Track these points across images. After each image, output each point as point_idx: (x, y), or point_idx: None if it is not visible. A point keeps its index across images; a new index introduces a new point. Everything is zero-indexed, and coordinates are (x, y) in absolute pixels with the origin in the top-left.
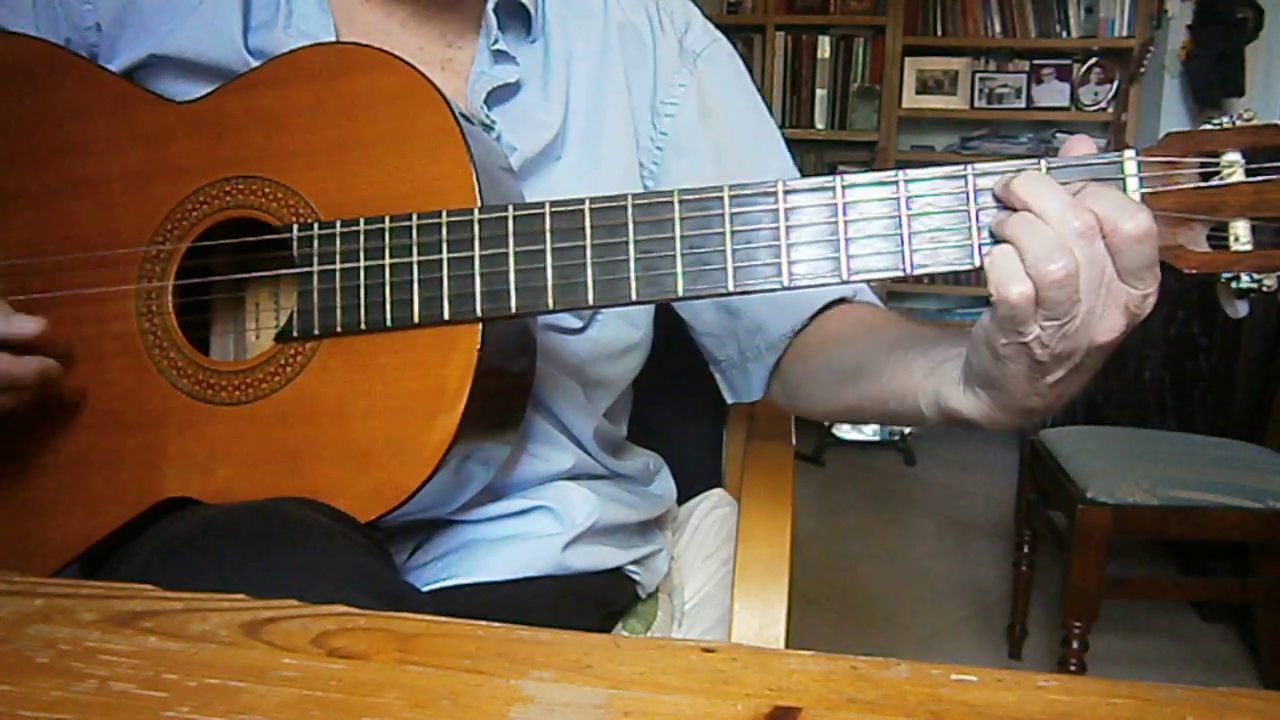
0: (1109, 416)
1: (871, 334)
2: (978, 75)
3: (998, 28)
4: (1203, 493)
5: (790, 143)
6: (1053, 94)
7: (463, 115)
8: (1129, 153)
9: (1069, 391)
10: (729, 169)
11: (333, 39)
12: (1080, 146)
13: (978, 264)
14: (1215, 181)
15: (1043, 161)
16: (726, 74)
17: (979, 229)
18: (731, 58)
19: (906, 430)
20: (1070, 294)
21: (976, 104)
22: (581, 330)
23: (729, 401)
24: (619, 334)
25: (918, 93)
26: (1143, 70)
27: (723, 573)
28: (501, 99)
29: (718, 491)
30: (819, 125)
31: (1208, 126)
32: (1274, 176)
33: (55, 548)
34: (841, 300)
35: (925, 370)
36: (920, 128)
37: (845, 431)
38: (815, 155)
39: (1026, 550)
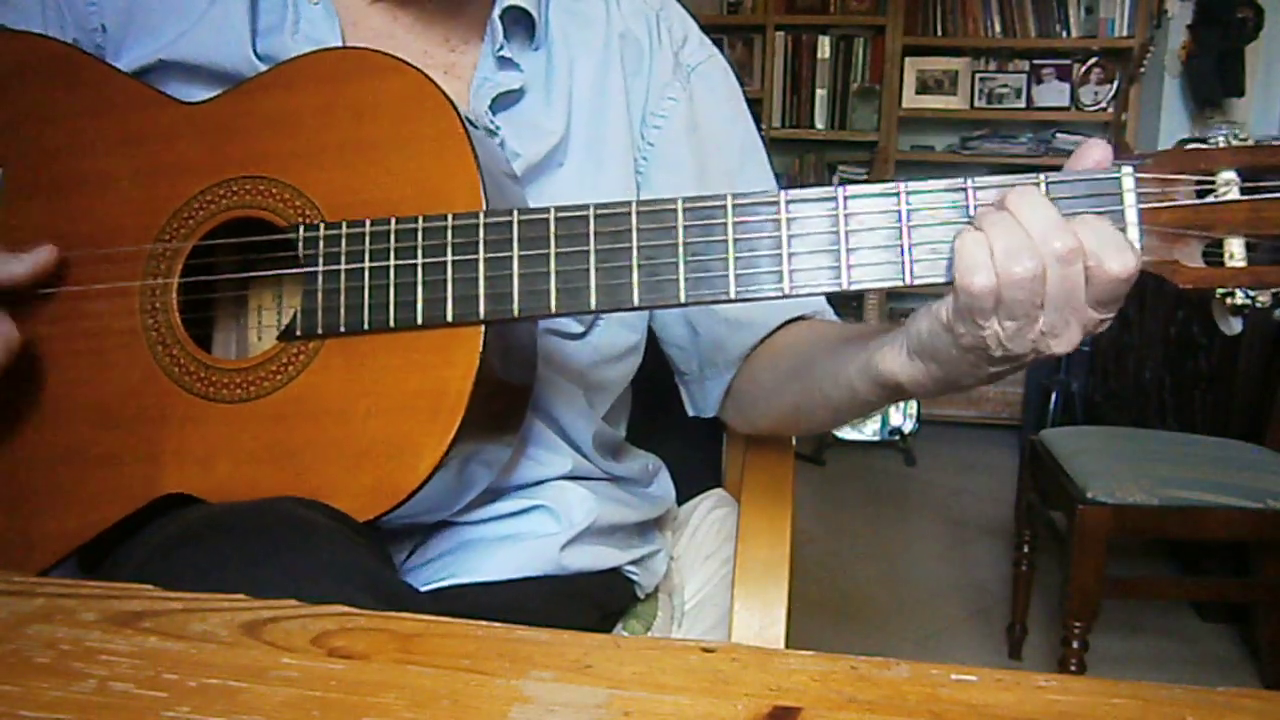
0: (1109, 416)
1: (816, 338)
2: (978, 75)
3: (998, 28)
4: (1203, 493)
5: (790, 143)
6: (1053, 94)
7: (468, 120)
8: (1126, 168)
9: (1001, 378)
10: (710, 185)
11: (339, 44)
12: (1094, 152)
13: None
14: (1211, 199)
15: (1042, 176)
16: (718, 90)
17: None
18: (725, 74)
19: (906, 430)
20: (1031, 298)
21: (976, 104)
22: (582, 335)
23: (690, 414)
24: (618, 338)
25: (918, 93)
26: (1143, 70)
27: (723, 573)
28: (505, 105)
29: (718, 491)
30: (819, 125)
31: (1203, 146)
32: (1269, 195)
33: (52, 542)
34: (800, 318)
35: (859, 347)
36: (920, 128)
37: (845, 431)
38: (815, 155)
39: (1026, 550)
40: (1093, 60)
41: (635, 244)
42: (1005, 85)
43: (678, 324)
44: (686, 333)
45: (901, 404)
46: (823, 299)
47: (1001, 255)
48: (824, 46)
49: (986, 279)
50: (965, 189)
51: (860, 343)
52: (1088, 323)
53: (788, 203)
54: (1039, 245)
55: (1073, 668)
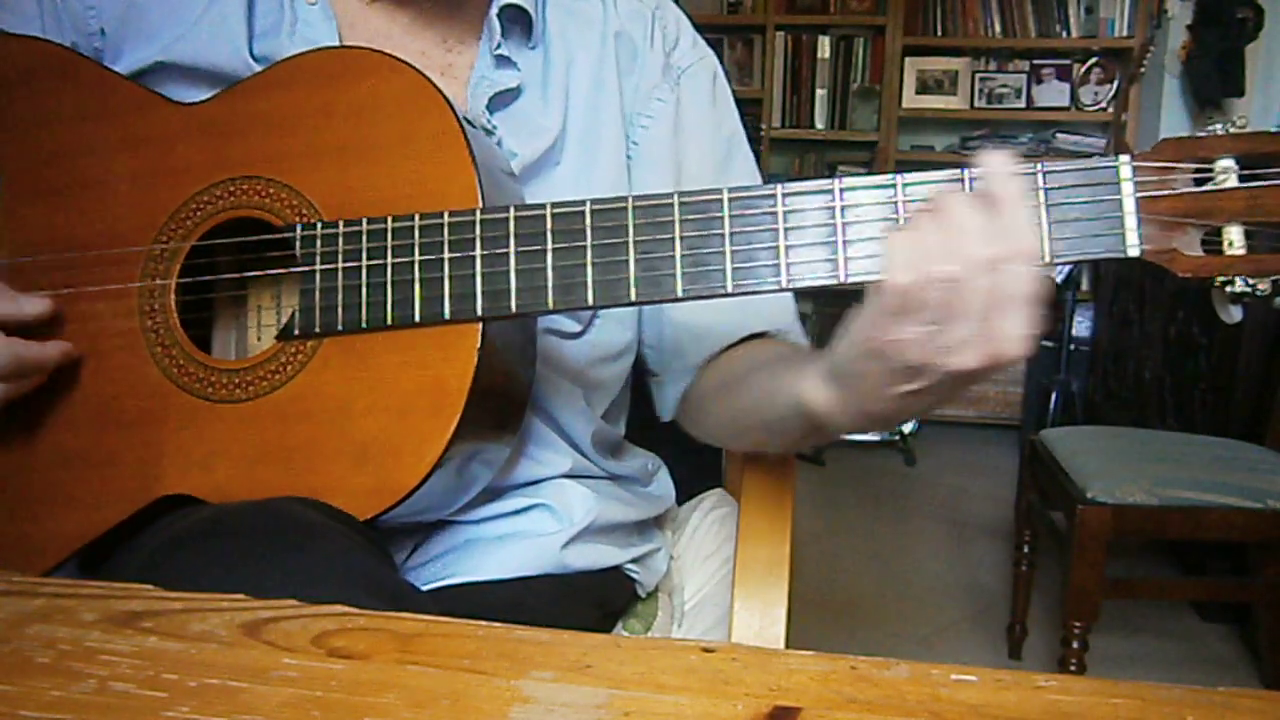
0: (1109, 416)
1: (764, 356)
2: (978, 75)
3: (998, 28)
4: (1203, 493)
5: (790, 143)
6: (1053, 94)
7: (465, 119)
8: (1124, 158)
9: (913, 410)
10: (689, 188)
11: (336, 44)
12: (991, 160)
13: None
14: (1209, 187)
15: (1039, 165)
16: (704, 94)
17: None
18: (715, 77)
19: (906, 430)
20: (949, 300)
21: (976, 104)
22: (580, 334)
23: (657, 412)
24: (615, 336)
25: (918, 93)
26: (1143, 70)
27: (723, 573)
28: (502, 104)
29: (718, 491)
30: (819, 125)
31: (1202, 133)
32: (1268, 183)
33: (53, 544)
34: (764, 334)
35: (793, 369)
36: (920, 128)
37: None
38: (815, 155)
39: (1026, 550)
40: (1093, 60)
41: (632, 239)
42: (1005, 85)
43: (653, 324)
44: (656, 334)
45: None
46: (794, 318)
47: (926, 254)
48: (824, 46)
49: (910, 276)
50: (961, 180)
51: (798, 365)
52: (996, 341)
53: (784, 195)
54: (963, 248)
55: (1073, 668)
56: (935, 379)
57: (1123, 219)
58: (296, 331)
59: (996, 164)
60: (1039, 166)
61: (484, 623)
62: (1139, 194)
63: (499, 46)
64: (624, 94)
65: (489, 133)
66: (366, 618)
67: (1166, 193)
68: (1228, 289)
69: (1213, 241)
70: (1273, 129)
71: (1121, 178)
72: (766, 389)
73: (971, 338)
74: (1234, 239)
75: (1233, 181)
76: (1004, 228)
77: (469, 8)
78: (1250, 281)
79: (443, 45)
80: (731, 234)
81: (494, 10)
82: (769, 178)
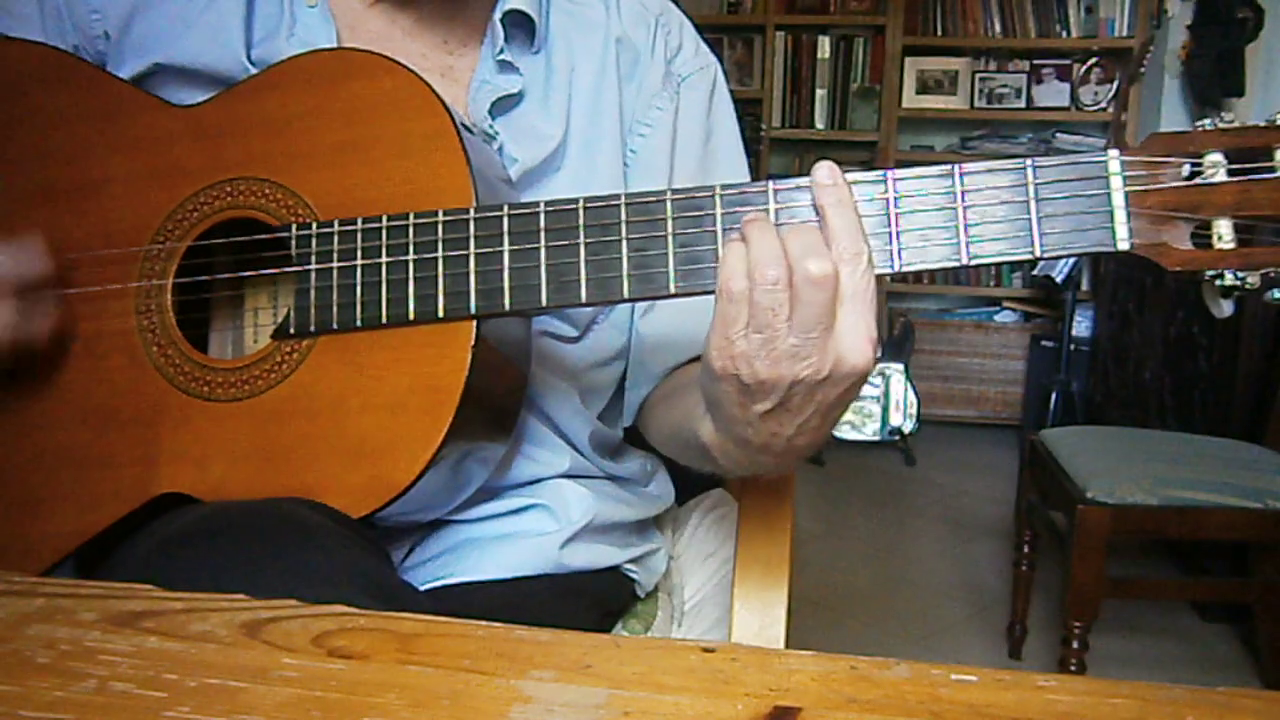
0: (1109, 416)
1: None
2: (978, 75)
3: (998, 28)
4: (1203, 493)
5: (790, 143)
6: (1053, 94)
7: (464, 125)
8: (1113, 152)
9: (784, 432)
10: None
11: (332, 46)
12: (818, 173)
13: (964, 261)
14: (1198, 181)
15: (1029, 161)
16: (702, 104)
17: (966, 227)
18: (715, 85)
19: (906, 430)
20: (776, 306)
21: (976, 104)
22: (578, 339)
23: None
24: (612, 340)
25: (918, 93)
26: (1143, 70)
27: (723, 573)
28: (504, 109)
29: (718, 491)
30: (819, 125)
31: (1189, 129)
32: (1256, 176)
33: (50, 544)
34: None
35: (698, 397)
36: (920, 128)
37: (845, 432)
38: (815, 155)
39: (1026, 550)
40: (1093, 60)
41: (624, 236)
42: (1005, 85)
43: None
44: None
45: (902, 404)
46: None
47: (754, 259)
48: (824, 46)
49: (742, 284)
50: (952, 175)
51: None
52: (834, 346)
53: (775, 192)
54: (786, 255)
55: (1073, 668)
56: (782, 394)
57: (1112, 213)
58: (292, 330)
59: (821, 174)
60: (1028, 161)
61: (484, 623)
62: (1128, 188)
63: (502, 51)
64: (624, 100)
65: (491, 138)
66: (366, 618)
67: (1156, 187)
68: (1217, 283)
69: (1202, 236)
70: (1261, 124)
71: (1110, 172)
72: (683, 414)
73: (806, 344)
74: (1223, 233)
75: (1221, 176)
76: (830, 234)
77: (471, 11)
78: (1240, 275)
79: (444, 48)
80: (724, 230)
81: (498, 14)
82: (769, 179)
